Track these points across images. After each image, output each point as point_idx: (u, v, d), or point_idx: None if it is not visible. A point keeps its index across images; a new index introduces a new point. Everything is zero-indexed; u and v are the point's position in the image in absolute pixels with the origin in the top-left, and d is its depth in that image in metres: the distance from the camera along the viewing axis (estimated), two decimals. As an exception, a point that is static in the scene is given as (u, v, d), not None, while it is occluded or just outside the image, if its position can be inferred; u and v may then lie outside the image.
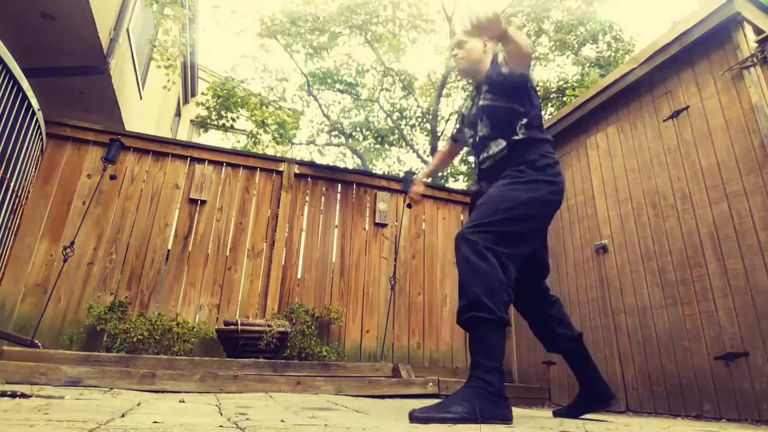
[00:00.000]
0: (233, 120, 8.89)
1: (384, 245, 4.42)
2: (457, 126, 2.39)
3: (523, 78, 1.95)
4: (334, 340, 3.94)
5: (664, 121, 3.16)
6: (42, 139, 3.15)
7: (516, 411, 2.54)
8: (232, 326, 3.28)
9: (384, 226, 4.48)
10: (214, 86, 8.91)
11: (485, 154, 2.04)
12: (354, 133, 11.75)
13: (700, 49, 2.98)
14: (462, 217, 4.80)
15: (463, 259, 1.73)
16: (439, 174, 10.71)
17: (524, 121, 1.95)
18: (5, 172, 2.56)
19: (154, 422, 1.13)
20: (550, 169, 1.91)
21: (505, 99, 1.99)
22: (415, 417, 1.47)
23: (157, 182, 3.91)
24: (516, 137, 1.94)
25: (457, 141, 2.45)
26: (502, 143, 1.96)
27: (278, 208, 4.16)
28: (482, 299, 1.63)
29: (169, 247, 3.80)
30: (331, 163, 10.64)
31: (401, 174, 10.75)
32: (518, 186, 1.85)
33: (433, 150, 10.81)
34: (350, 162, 12.68)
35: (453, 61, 2.22)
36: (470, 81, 2.26)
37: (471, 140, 2.17)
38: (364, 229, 4.43)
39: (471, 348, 1.69)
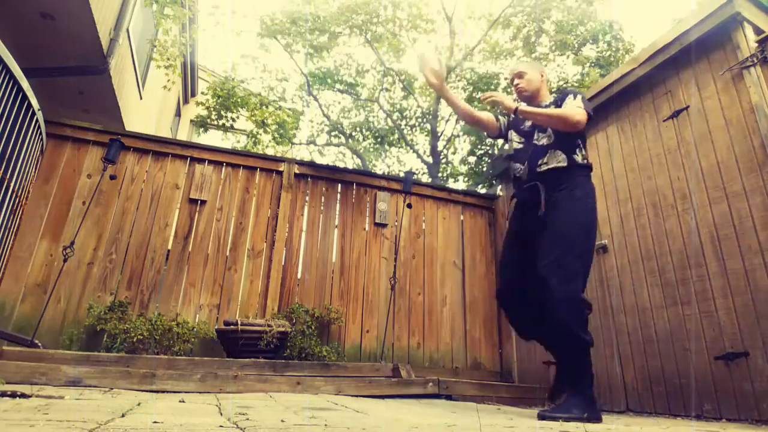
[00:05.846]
0: (233, 120, 8.88)
1: (384, 245, 4.42)
2: (505, 125, 2.63)
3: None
4: (334, 340, 3.94)
5: (664, 121, 3.16)
6: (42, 139, 3.14)
7: (516, 411, 2.54)
8: (232, 326, 3.28)
9: (384, 226, 4.48)
10: (214, 86, 8.90)
11: (544, 160, 2.32)
12: (354, 134, 11.74)
13: (700, 49, 2.98)
14: (461, 217, 4.80)
15: None
16: (439, 174, 10.70)
17: (580, 143, 2.33)
18: (5, 172, 2.56)
19: (154, 422, 1.13)
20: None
21: None
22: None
23: (157, 182, 3.91)
24: (576, 157, 2.29)
25: (497, 123, 2.62)
26: (562, 156, 2.28)
27: (278, 208, 4.16)
28: None
29: (169, 247, 3.80)
30: (331, 163, 10.63)
31: (401, 174, 10.74)
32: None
33: (433, 150, 10.80)
34: (350, 162, 12.67)
35: (513, 90, 2.52)
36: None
37: (520, 146, 2.45)
38: (364, 229, 4.43)
39: None
